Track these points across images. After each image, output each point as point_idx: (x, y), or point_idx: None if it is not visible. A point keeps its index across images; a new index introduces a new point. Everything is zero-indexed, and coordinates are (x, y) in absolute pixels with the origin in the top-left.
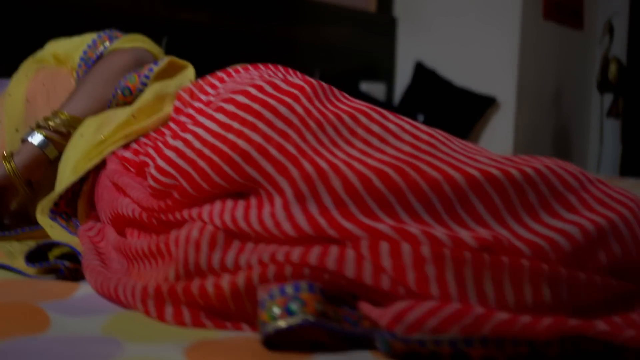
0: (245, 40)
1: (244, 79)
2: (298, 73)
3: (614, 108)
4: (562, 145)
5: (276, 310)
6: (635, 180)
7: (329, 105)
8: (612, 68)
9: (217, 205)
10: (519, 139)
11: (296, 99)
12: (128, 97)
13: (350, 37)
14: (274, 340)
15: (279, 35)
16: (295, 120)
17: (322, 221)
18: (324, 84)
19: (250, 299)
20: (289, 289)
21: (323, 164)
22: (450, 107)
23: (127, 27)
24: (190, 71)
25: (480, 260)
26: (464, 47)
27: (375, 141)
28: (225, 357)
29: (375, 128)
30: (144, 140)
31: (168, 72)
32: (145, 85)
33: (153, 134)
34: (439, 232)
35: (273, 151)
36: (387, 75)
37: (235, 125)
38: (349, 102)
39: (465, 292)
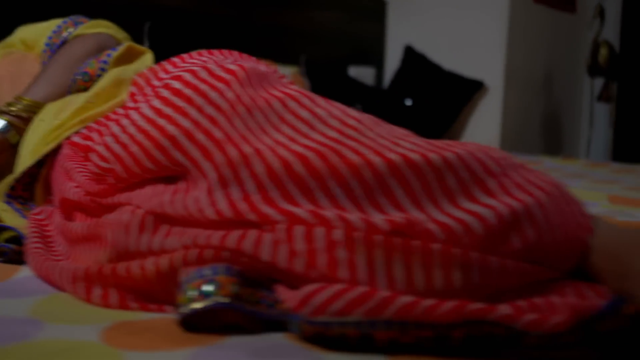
0: (230, 25)
1: (192, 65)
2: (252, 58)
3: (604, 92)
4: (552, 130)
5: (192, 292)
6: (625, 165)
7: (261, 91)
8: (603, 52)
9: (148, 189)
10: (507, 123)
11: (228, 84)
12: (87, 83)
13: (339, 21)
14: (190, 322)
15: (265, 20)
16: (225, 106)
17: (242, 206)
18: (262, 68)
19: (173, 282)
20: (207, 272)
21: (248, 149)
22: (439, 91)
23: (110, 13)
24: (148, 57)
25: (391, 243)
26: (454, 30)
27: (302, 126)
28: (140, 338)
29: (303, 113)
30: (93, 125)
31: (127, 58)
32: (104, 70)
33: (103, 119)
34: (353, 216)
35: (200, 136)
36: (376, 59)
37: (167, 110)
38: (282, 88)
39: (375, 275)
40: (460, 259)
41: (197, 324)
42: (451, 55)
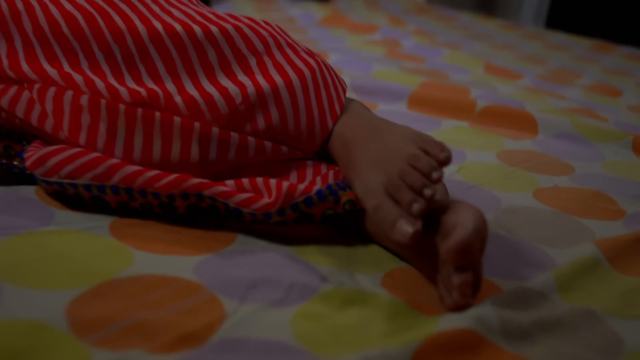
0: None
1: None
2: None
3: None
4: None
5: None
6: (537, 30)
7: None
8: None
9: None
10: None
11: None
12: None
13: None
14: None
15: None
16: None
17: (5, 61)
18: None
19: None
20: None
21: (20, 5)
22: None
23: None
24: None
25: (132, 113)
26: None
27: None
28: None
29: None
30: None
31: None
32: None
33: None
34: (99, 83)
35: None
36: None
37: None
38: None
39: (114, 143)
40: (199, 134)
41: None
42: None
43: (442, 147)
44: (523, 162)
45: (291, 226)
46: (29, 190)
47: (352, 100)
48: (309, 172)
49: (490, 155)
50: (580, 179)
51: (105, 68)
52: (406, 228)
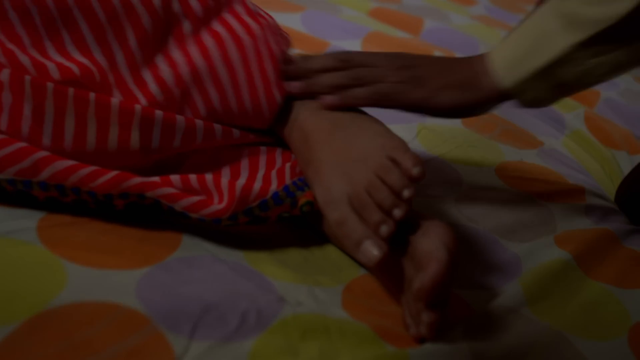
0: None
1: None
2: None
3: None
4: None
5: None
6: None
7: None
8: None
9: None
10: None
11: None
12: None
13: None
14: None
15: None
16: None
17: None
18: None
19: None
20: None
21: None
22: None
23: None
24: None
25: (63, 92)
26: None
27: None
28: None
29: None
30: None
31: None
32: None
33: None
34: (22, 56)
35: None
36: None
37: None
38: None
39: (41, 128)
40: (140, 117)
41: None
42: None
43: (415, 160)
44: (489, 129)
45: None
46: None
47: None
48: (262, 162)
49: None
50: (546, 155)
51: (22, 33)
52: (373, 251)
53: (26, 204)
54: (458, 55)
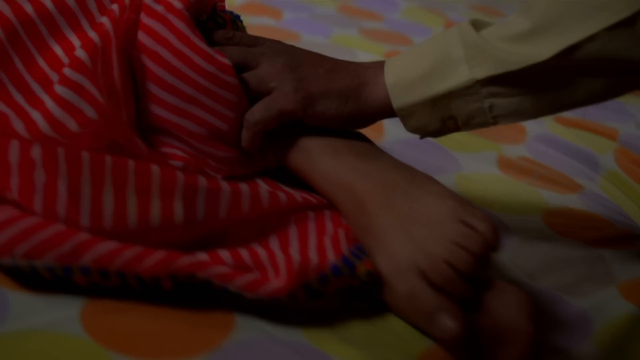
0: None
1: None
2: None
3: None
4: None
5: None
6: None
7: None
8: None
9: None
10: None
11: None
12: None
13: None
14: None
15: None
16: None
17: None
18: None
19: None
20: None
21: None
22: None
23: None
24: None
25: (99, 163)
26: None
27: None
28: None
29: None
30: None
31: None
32: None
33: None
34: (36, 114)
35: None
36: None
37: None
38: None
39: (78, 207)
40: (183, 185)
41: None
42: None
43: (490, 222)
44: (526, 174)
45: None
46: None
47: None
48: (311, 228)
49: (488, 161)
50: (588, 199)
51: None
52: (450, 324)
53: (65, 290)
54: None
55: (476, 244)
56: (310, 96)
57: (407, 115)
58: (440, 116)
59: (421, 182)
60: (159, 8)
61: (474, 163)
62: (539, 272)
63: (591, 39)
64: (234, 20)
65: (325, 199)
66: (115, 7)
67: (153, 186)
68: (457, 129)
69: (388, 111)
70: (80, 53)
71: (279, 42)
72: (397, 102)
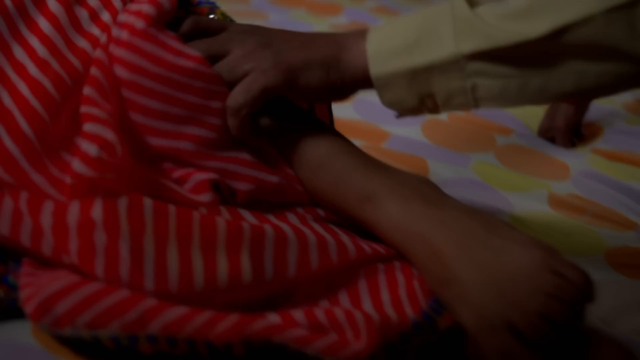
0: None
1: None
2: None
3: None
4: None
5: None
6: None
7: None
8: None
9: None
10: None
11: None
12: None
13: None
14: None
15: None
16: None
17: None
18: None
19: None
20: None
21: None
22: None
23: None
24: None
25: (163, 217)
26: None
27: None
28: None
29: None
30: None
31: None
32: None
33: None
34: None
35: None
36: None
37: None
38: None
39: (142, 270)
40: (250, 237)
41: None
42: None
43: (583, 273)
44: (578, 212)
45: None
46: (24, 332)
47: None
48: (382, 282)
49: (539, 200)
50: None
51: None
52: None
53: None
54: None
55: (571, 295)
56: (291, 69)
57: (383, 86)
58: (419, 92)
59: (500, 230)
60: (124, 35)
61: (525, 202)
62: (611, 316)
63: (586, 21)
64: (210, 13)
65: (394, 249)
66: (97, 31)
67: (219, 239)
68: (435, 108)
69: (368, 81)
70: (88, 91)
71: (245, 25)
72: (374, 70)
